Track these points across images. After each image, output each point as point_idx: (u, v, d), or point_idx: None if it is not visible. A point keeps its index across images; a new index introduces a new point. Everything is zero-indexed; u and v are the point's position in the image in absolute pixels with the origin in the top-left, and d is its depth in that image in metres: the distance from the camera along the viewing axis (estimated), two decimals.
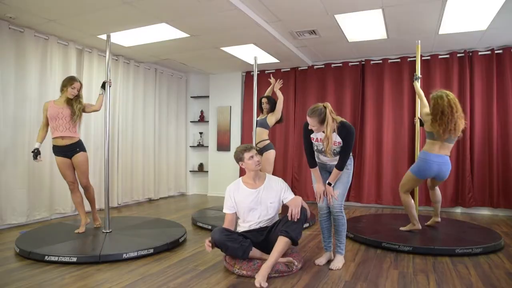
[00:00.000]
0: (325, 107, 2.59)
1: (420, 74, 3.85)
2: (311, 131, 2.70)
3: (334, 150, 2.67)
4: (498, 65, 5.00)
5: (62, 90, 3.49)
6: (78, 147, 3.51)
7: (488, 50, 5.04)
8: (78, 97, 3.51)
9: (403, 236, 3.40)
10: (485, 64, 5.07)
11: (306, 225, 4.07)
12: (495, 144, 4.94)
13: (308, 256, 3.03)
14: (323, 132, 2.63)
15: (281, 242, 2.47)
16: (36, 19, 3.89)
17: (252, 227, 2.77)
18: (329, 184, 2.73)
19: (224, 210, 2.83)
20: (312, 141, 2.75)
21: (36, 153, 3.37)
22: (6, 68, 3.95)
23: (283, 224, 2.56)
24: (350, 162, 2.77)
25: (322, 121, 2.58)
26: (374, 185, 5.57)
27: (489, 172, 5.00)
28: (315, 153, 2.80)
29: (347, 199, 5.52)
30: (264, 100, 4.46)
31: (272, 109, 4.41)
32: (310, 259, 2.93)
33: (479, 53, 5.08)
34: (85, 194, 3.66)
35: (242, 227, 2.84)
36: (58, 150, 3.47)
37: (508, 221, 4.58)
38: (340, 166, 2.67)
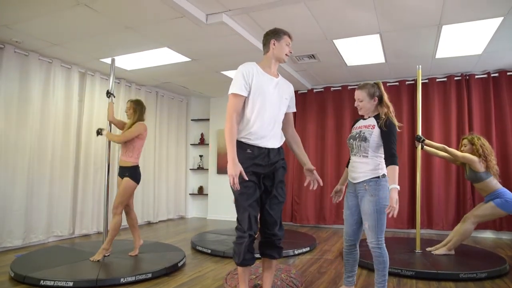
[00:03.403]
0: (376, 83, 2.43)
1: (422, 135, 3.76)
2: (356, 121, 2.54)
3: (363, 133, 2.38)
4: (494, 88, 5.06)
5: (141, 116, 3.54)
6: None
7: (484, 74, 5.12)
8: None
9: (405, 261, 3.34)
10: (482, 87, 5.13)
11: (307, 249, 4.00)
12: None
13: (309, 280, 2.97)
14: (365, 117, 2.46)
15: (268, 264, 2.25)
16: (41, 43, 3.97)
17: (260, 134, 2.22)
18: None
19: (233, 90, 2.15)
20: (353, 130, 2.52)
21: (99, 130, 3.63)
22: (11, 91, 4.00)
23: (263, 245, 2.22)
24: (378, 187, 2.30)
25: (372, 94, 2.40)
26: None
27: None
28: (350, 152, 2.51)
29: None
30: None
31: None
32: (310, 284, 2.87)
33: (476, 76, 5.15)
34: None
35: (245, 136, 2.19)
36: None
37: None
38: (389, 159, 2.27)
